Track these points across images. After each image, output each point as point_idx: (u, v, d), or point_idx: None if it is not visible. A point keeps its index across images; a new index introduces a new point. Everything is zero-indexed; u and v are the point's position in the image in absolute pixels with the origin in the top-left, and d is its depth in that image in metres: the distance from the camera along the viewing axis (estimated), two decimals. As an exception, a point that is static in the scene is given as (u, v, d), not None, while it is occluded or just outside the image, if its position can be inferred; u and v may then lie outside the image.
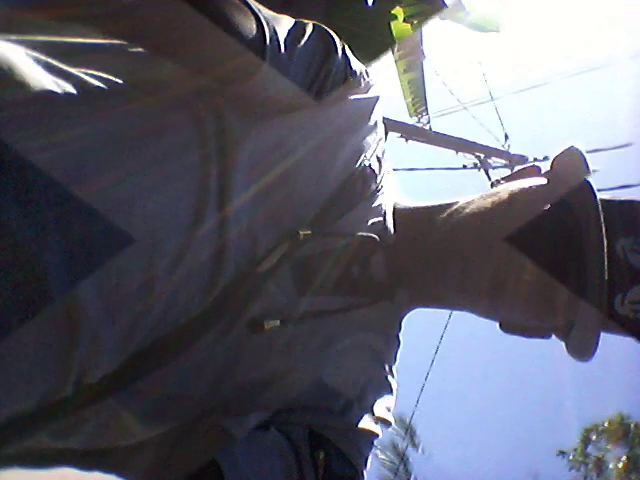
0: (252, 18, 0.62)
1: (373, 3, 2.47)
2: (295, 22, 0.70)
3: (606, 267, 0.69)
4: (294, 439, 0.69)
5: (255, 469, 0.65)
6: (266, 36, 0.62)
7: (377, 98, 0.80)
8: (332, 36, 0.74)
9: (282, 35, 0.66)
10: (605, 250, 0.70)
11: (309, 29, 0.71)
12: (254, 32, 0.62)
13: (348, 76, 0.75)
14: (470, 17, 3.16)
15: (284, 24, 0.68)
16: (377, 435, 0.77)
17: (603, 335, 0.71)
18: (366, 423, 0.76)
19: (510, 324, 0.81)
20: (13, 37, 0.59)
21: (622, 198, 0.78)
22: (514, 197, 0.76)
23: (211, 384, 0.68)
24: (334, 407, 0.75)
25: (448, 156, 6.45)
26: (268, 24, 0.63)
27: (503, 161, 6.47)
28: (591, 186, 0.75)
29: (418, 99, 5.35)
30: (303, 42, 0.68)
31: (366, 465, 0.75)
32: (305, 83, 0.69)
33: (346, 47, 0.75)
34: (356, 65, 0.77)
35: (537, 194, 0.76)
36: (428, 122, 5.88)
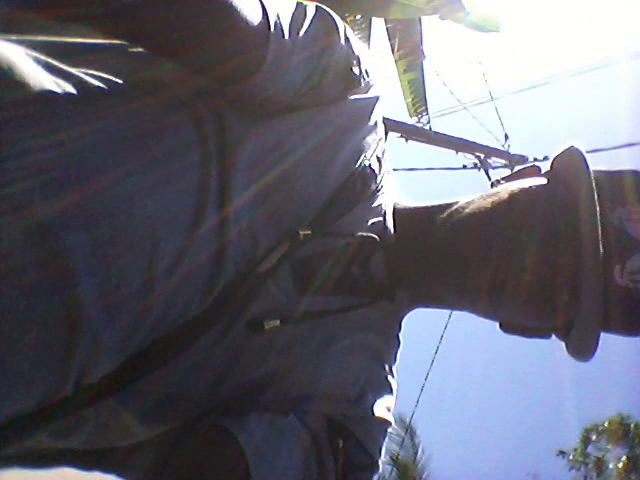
0: (256, 2, 0.62)
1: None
2: (297, 4, 0.69)
3: (600, 234, 0.68)
4: (312, 427, 0.70)
5: (274, 453, 0.66)
6: (270, 22, 0.62)
7: (377, 98, 0.80)
8: (334, 19, 0.73)
9: (286, 20, 0.65)
10: (598, 217, 0.68)
11: (311, 12, 0.70)
12: (258, 18, 0.61)
13: (351, 61, 0.75)
14: (470, 17, 3.15)
15: (286, 6, 0.67)
16: (390, 423, 0.77)
17: (603, 335, 0.71)
18: (380, 411, 0.76)
19: (510, 324, 0.81)
20: (13, 37, 0.59)
21: (610, 169, 0.77)
22: (514, 197, 0.76)
23: (211, 384, 0.68)
24: (350, 395, 0.75)
25: (448, 156, 6.45)
26: (272, 8, 0.63)
27: (503, 161, 6.46)
28: (584, 158, 0.75)
29: (418, 99, 5.33)
30: (305, 27, 0.68)
31: (381, 454, 0.76)
32: (306, 74, 0.69)
33: (348, 29, 0.75)
34: (358, 48, 0.76)
35: (537, 194, 0.76)
36: (428, 122, 5.86)
